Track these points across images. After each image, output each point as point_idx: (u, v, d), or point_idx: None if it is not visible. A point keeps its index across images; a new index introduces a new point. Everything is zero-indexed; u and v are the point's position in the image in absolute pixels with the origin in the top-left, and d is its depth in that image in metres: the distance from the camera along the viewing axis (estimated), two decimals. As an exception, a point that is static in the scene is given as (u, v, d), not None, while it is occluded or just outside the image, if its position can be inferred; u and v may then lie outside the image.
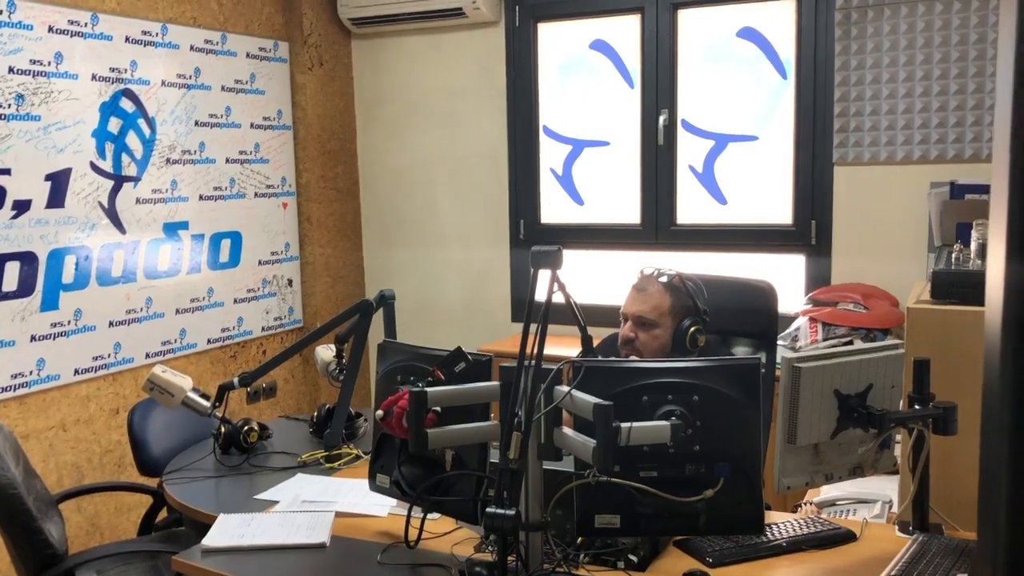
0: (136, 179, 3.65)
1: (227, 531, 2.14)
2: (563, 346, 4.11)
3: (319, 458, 2.69)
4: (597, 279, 4.28)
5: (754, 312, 2.73)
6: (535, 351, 1.74)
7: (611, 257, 4.27)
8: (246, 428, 2.80)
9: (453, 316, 4.49)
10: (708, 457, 1.83)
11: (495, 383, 1.90)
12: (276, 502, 2.37)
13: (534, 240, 4.38)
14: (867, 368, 1.92)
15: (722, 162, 3.95)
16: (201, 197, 3.94)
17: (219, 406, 2.66)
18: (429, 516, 1.98)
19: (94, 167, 3.48)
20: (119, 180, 3.59)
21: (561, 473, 1.89)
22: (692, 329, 2.51)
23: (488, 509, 1.63)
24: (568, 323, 4.36)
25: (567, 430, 1.82)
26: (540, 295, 1.80)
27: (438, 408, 1.87)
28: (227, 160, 4.06)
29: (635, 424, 1.72)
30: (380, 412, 1.93)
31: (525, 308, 1.77)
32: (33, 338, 3.29)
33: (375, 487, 2.18)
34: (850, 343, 3.46)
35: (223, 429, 2.76)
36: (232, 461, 2.71)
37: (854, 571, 1.91)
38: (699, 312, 2.57)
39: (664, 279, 2.61)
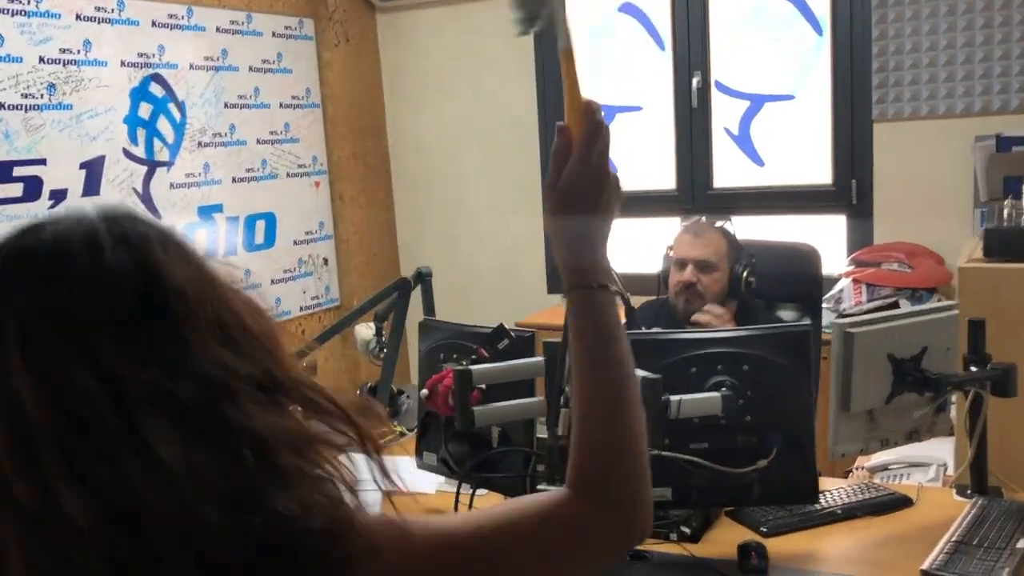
0: (169, 164, 3.66)
1: None
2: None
3: (363, 437, 2.70)
4: (633, 248, 4.24)
5: (798, 276, 2.69)
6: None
7: (647, 225, 4.21)
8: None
9: (488, 290, 4.47)
10: (760, 427, 1.80)
11: (539, 359, 1.87)
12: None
13: (568, 210, 4.33)
14: (921, 331, 1.88)
15: (758, 123, 3.88)
16: (234, 179, 3.94)
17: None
18: (477, 492, 1.97)
19: (127, 154, 3.49)
20: (152, 165, 3.59)
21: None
22: (746, 271, 2.54)
23: (540, 487, 1.61)
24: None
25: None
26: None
27: (483, 386, 1.85)
28: (258, 141, 4.05)
29: (685, 397, 1.69)
30: (425, 391, 1.92)
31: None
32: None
33: (422, 464, 2.18)
34: (895, 304, 3.39)
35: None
36: (277, 442, 2.72)
37: (913, 536, 1.88)
38: (747, 254, 2.57)
39: (714, 222, 2.62)
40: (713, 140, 3.95)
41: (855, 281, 3.47)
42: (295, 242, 4.29)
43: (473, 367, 1.81)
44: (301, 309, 4.33)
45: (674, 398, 1.67)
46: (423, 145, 4.65)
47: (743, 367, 1.79)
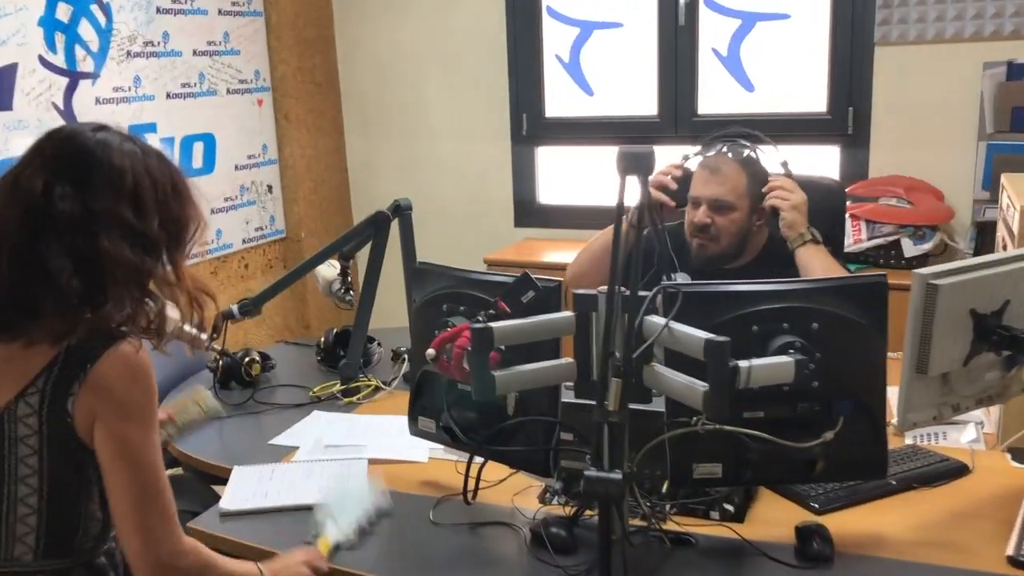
0: (94, 76, 3.20)
1: (246, 489, 1.84)
2: (578, 249, 3.80)
3: (335, 392, 2.38)
4: (610, 178, 3.94)
5: (819, 214, 2.42)
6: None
7: (625, 153, 3.92)
8: (247, 360, 2.47)
9: (449, 222, 4.12)
10: (827, 394, 1.55)
11: (568, 314, 1.58)
12: (295, 448, 2.06)
13: (538, 136, 4.01)
14: (1004, 283, 1.64)
15: (749, 44, 3.58)
16: (169, 95, 3.49)
17: (217, 337, 2.32)
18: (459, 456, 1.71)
19: (44, 62, 3.02)
20: (74, 77, 3.13)
21: (648, 416, 1.60)
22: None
23: (588, 472, 1.34)
24: (577, 226, 4.04)
25: (662, 368, 1.51)
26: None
27: (502, 346, 1.55)
28: (194, 52, 3.59)
29: (755, 362, 1.42)
30: (431, 351, 1.61)
31: (613, 239, 1.42)
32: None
33: (417, 431, 1.88)
34: (897, 243, 3.19)
35: (221, 362, 2.43)
36: (234, 398, 2.39)
37: (980, 512, 1.67)
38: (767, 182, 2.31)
39: (737, 154, 2.32)
40: (700, 61, 3.65)
41: (853, 217, 3.26)
42: (236, 167, 3.88)
43: (494, 324, 1.50)
44: (244, 242, 3.94)
45: (743, 364, 1.39)
46: (377, 61, 4.23)
47: (812, 325, 1.53)
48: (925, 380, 1.60)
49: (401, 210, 2.38)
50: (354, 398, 2.36)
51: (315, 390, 2.42)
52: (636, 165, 1.46)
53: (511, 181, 4.08)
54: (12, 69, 2.92)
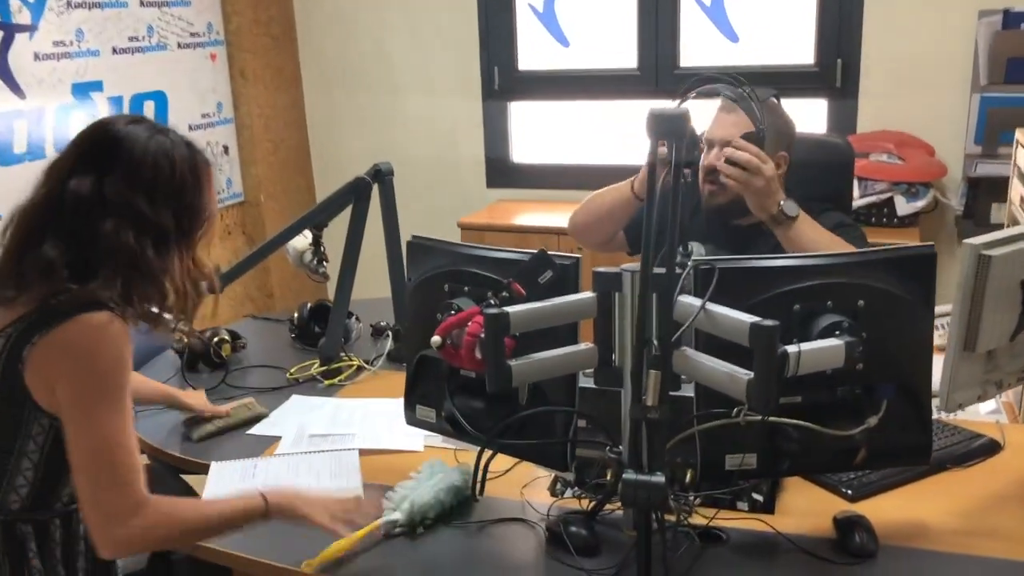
0: (31, 28, 2.92)
1: (227, 488, 1.67)
2: (555, 212, 3.64)
3: (314, 374, 2.21)
4: (588, 135, 3.78)
5: (825, 173, 2.29)
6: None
7: (603, 108, 3.74)
8: (216, 339, 2.28)
9: (417, 183, 3.91)
10: (870, 376, 1.43)
11: (589, 295, 1.42)
12: (277, 438, 1.90)
13: (510, 91, 3.81)
14: (1052, 251, 1.52)
15: (734, -9, 3.43)
16: (115, 50, 3.22)
17: (184, 318, 2.12)
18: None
19: (-26, 14, 2.75)
20: (9, 30, 2.86)
21: (676, 403, 1.45)
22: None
23: (627, 476, 1.20)
24: (553, 186, 3.88)
25: (696, 354, 1.37)
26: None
27: (516, 332, 1.40)
28: (141, 3, 3.32)
29: (804, 347, 1.28)
30: (437, 339, 1.45)
31: (647, 205, 1.26)
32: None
33: (415, 420, 1.72)
34: (891, 201, 3.09)
35: (188, 343, 2.24)
36: (204, 381, 2.21)
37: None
38: (791, 144, 2.15)
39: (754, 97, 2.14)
40: (681, 11, 3.48)
41: (843, 174, 3.13)
42: (190, 127, 3.63)
43: (509, 309, 1.35)
44: (201, 207, 3.69)
45: (791, 349, 1.26)
46: (337, 12, 3.99)
47: (858, 302, 1.39)
48: (971, 357, 1.49)
49: (382, 175, 2.20)
50: (336, 380, 2.19)
51: (292, 371, 2.25)
52: (668, 128, 1.29)
53: (483, 139, 3.89)
54: (-61, 22, 2.65)
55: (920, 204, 3.06)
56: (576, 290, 1.48)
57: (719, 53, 3.47)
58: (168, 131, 1.44)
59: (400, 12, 3.88)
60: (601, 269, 1.42)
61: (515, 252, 1.56)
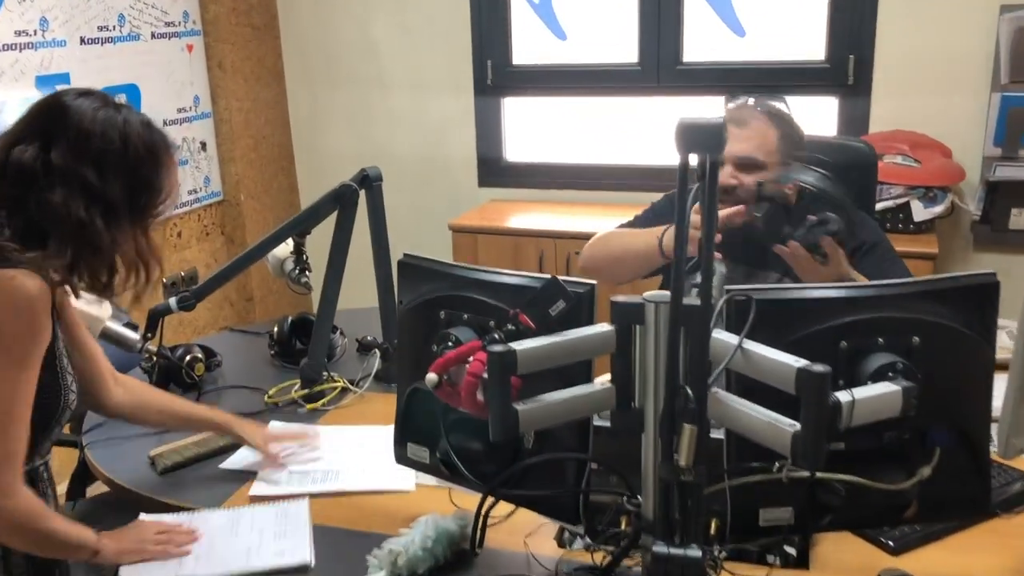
0: (-10, 17, 2.72)
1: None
2: (550, 212, 3.47)
3: (295, 397, 2.03)
4: (586, 133, 3.60)
5: (846, 177, 2.13)
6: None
7: (602, 105, 3.56)
8: (189, 358, 2.10)
9: (406, 182, 3.72)
10: (921, 420, 1.26)
11: (607, 328, 1.25)
12: (252, 474, 1.71)
13: (504, 86, 3.63)
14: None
15: (742, -17, 3.26)
16: (83, 40, 3.02)
17: (152, 337, 1.94)
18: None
19: (-73, 1, 2.54)
20: (-34, 19, 2.66)
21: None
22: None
23: (658, 549, 1.03)
24: (547, 185, 3.70)
25: (731, 398, 1.20)
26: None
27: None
28: (111, -11, 3.12)
29: (858, 395, 1.11)
30: (433, 376, 1.27)
31: (676, 224, 1.09)
32: None
33: (406, 459, 1.55)
34: (907, 206, 2.93)
35: (156, 361, 2.05)
36: (174, 404, 2.02)
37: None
38: (803, 148, 2.01)
39: (766, 107, 1.99)
40: (685, 4, 3.30)
41: (856, 177, 2.97)
42: (165, 122, 3.42)
43: (517, 345, 1.17)
44: (176, 207, 3.49)
45: (843, 398, 1.09)
46: (322, 3, 3.79)
47: (912, 339, 1.23)
48: (1034, 398, 1.32)
49: (369, 181, 2.01)
50: (318, 404, 2.01)
51: (271, 393, 2.07)
52: (701, 140, 1.12)
53: (474, 136, 3.71)
54: None
55: (938, 209, 2.90)
56: (591, 321, 1.30)
57: (724, 48, 3.30)
58: (124, 107, 1.44)
59: (386, 2, 3.68)
60: (620, 299, 1.24)
61: (519, 276, 1.38)
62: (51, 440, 1.49)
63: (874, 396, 1.13)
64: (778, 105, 1.98)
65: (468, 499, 1.53)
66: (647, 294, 1.24)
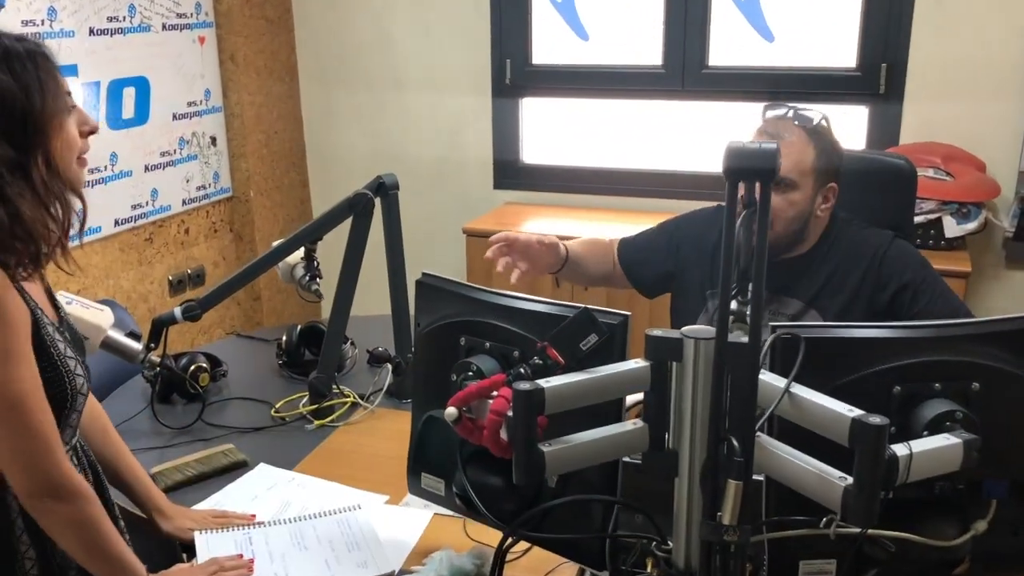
0: (-4, 6, 2.64)
1: None
2: (566, 217, 3.38)
3: (303, 412, 1.94)
4: (606, 136, 3.50)
5: (882, 197, 2.04)
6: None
7: (624, 108, 3.46)
8: (193, 368, 2.02)
9: (418, 183, 3.63)
10: (977, 471, 1.17)
11: (641, 364, 1.16)
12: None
13: (522, 86, 3.53)
14: None
15: (771, -14, 3.16)
16: (92, 31, 2.94)
17: (155, 347, 1.86)
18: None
19: (-68, -12, 2.46)
20: (-29, 7, 2.58)
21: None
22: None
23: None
24: (564, 189, 3.61)
25: (776, 445, 1.11)
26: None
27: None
28: (122, -21, 3.04)
29: (916, 448, 1.02)
30: (453, 411, 1.19)
31: (724, 254, 1.01)
32: None
33: (420, 490, 1.47)
34: (939, 221, 2.83)
35: (158, 372, 1.97)
36: (177, 415, 1.96)
37: None
38: (840, 174, 1.89)
39: (805, 121, 1.88)
40: (712, 5, 3.20)
41: (887, 190, 2.87)
42: (175, 116, 3.34)
43: (545, 383, 1.08)
44: (184, 203, 3.42)
45: (901, 451, 1.00)
46: (337, -6, 3.70)
47: (971, 384, 1.14)
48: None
49: (385, 189, 1.92)
50: (327, 420, 1.93)
51: (278, 407, 1.98)
52: (752, 166, 1.03)
53: (491, 137, 3.61)
54: None
55: (971, 226, 2.80)
56: (624, 356, 1.22)
57: (752, 52, 3.20)
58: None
59: (406, -3, 3.60)
60: (656, 333, 1.15)
61: (547, 303, 1.29)
62: (71, 428, 1.37)
63: (933, 450, 1.04)
64: (818, 119, 1.87)
65: (484, 532, 1.45)
66: (686, 329, 1.15)
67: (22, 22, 2.70)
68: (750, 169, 1.02)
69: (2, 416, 1.22)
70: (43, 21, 2.78)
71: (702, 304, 1.99)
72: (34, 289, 1.35)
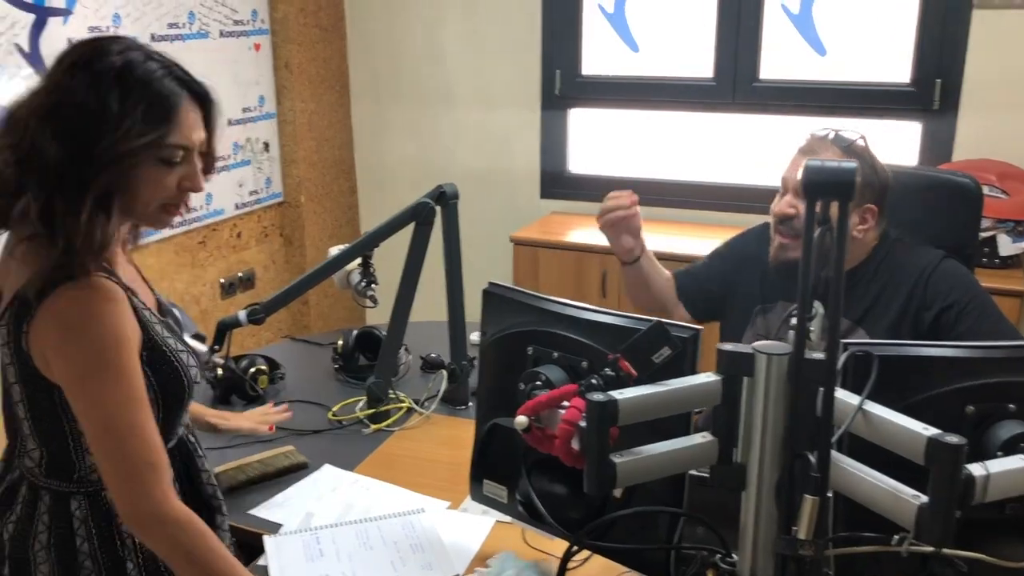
0: (65, 12, 2.71)
1: (294, 571, 1.41)
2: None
3: (359, 417, 1.97)
4: (654, 147, 3.51)
5: (943, 218, 2.02)
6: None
7: (674, 120, 3.47)
8: (253, 370, 2.05)
9: (465, 192, 3.59)
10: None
11: (713, 378, 1.17)
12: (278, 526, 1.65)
13: (571, 96, 3.55)
14: None
15: (825, 0, 3.14)
16: (153, 37, 3.00)
17: (219, 349, 1.89)
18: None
19: (5, -5, 2.54)
20: (42, 13, 2.64)
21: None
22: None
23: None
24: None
25: (848, 462, 1.11)
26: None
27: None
28: (183, -13, 3.10)
29: (993, 468, 1.03)
30: (523, 419, 1.20)
31: (801, 272, 1.02)
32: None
33: (482, 497, 1.49)
34: (992, 240, 2.80)
35: (220, 374, 2.02)
36: (236, 418, 1.99)
37: None
38: (883, 195, 1.87)
39: (846, 142, 1.87)
40: (765, 17, 3.20)
41: (940, 207, 2.85)
42: (230, 122, 3.40)
43: (618, 395, 1.10)
44: (237, 207, 3.48)
45: (977, 471, 1.00)
46: (391, 5, 3.74)
47: (1046, 406, 1.14)
48: None
49: (446, 198, 1.95)
50: (383, 424, 1.95)
51: (335, 410, 2.02)
52: (830, 186, 1.04)
53: (538, 146, 3.64)
54: (-34, 2, 2.43)
55: (1026, 244, 2.77)
56: (695, 370, 1.23)
57: (803, 66, 3.19)
58: (135, 49, 1.24)
59: (457, 7, 3.63)
60: (727, 347, 1.16)
61: (617, 315, 1.31)
62: (181, 423, 1.38)
63: (1010, 471, 1.04)
64: (855, 139, 1.85)
65: (543, 540, 1.47)
66: (757, 344, 1.16)
67: (89, 28, 2.77)
68: (828, 186, 1.03)
69: (97, 436, 1.21)
70: (108, 27, 2.84)
71: (747, 320, 2.00)
72: (129, 273, 1.36)
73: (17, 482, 1.33)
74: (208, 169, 1.34)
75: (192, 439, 1.44)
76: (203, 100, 1.29)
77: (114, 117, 1.18)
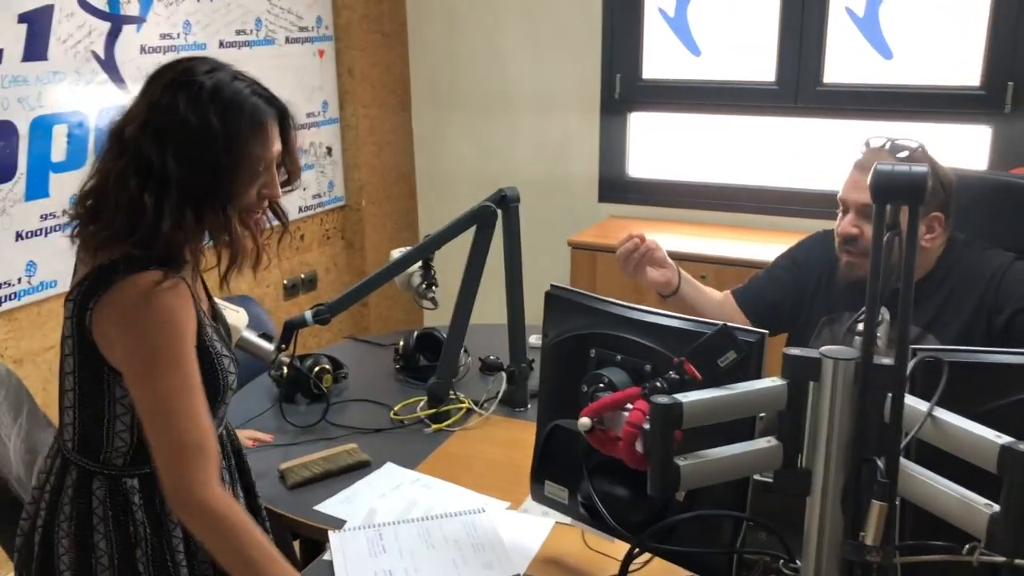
0: (139, 20, 2.79)
1: (357, 567, 1.44)
2: (669, 232, 3.37)
3: (420, 416, 2.00)
4: (714, 151, 3.49)
5: (1017, 221, 1.98)
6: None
7: (736, 124, 3.45)
8: (317, 369, 2.09)
9: (524, 195, 3.61)
10: None
11: (778, 383, 1.16)
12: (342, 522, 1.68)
13: (632, 100, 3.55)
14: None
15: (891, 3, 3.08)
16: (222, 44, 3.08)
17: (286, 348, 1.94)
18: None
19: (83, 4, 2.62)
20: (117, 21, 2.73)
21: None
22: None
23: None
24: (668, 204, 3.59)
25: (916, 469, 1.10)
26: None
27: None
28: (251, -5, 3.18)
29: (1069, 479, 1.00)
30: (586, 421, 1.21)
31: (871, 277, 1.01)
32: (19, 236, 2.53)
33: (543, 497, 1.50)
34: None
35: (285, 372, 2.06)
36: (302, 414, 2.03)
37: None
38: (948, 201, 1.83)
39: (903, 152, 1.84)
40: (829, 21, 3.16)
41: (1010, 212, 2.78)
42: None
43: (683, 397, 1.10)
44: (300, 210, 3.54)
45: (1051, 481, 0.98)
46: (450, 9, 3.78)
47: None
48: None
49: (507, 202, 1.97)
50: (443, 424, 1.98)
51: (396, 410, 2.04)
52: (900, 190, 1.03)
53: (598, 149, 3.64)
54: (47, 12, 2.52)
55: None
56: (760, 374, 1.23)
57: (869, 70, 3.14)
58: (208, 77, 1.31)
59: (517, 12, 3.65)
60: (794, 351, 1.15)
61: (679, 319, 1.31)
62: (219, 419, 1.45)
63: (1087, 481, 1.02)
64: (915, 147, 1.82)
65: (602, 542, 1.47)
66: (824, 349, 1.15)
67: (160, 35, 2.85)
68: (898, 191, 1.02)
69: (152, 416, 1.29)
70: (178, 34, 2.92)
71: (813, 330, 1.97)
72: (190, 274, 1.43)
73: (58, 453, 1.43)
74: (291, 179, 1.46)
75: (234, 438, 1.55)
76: (282, 115, 1.39)
77: (218, 134, 1.28)
